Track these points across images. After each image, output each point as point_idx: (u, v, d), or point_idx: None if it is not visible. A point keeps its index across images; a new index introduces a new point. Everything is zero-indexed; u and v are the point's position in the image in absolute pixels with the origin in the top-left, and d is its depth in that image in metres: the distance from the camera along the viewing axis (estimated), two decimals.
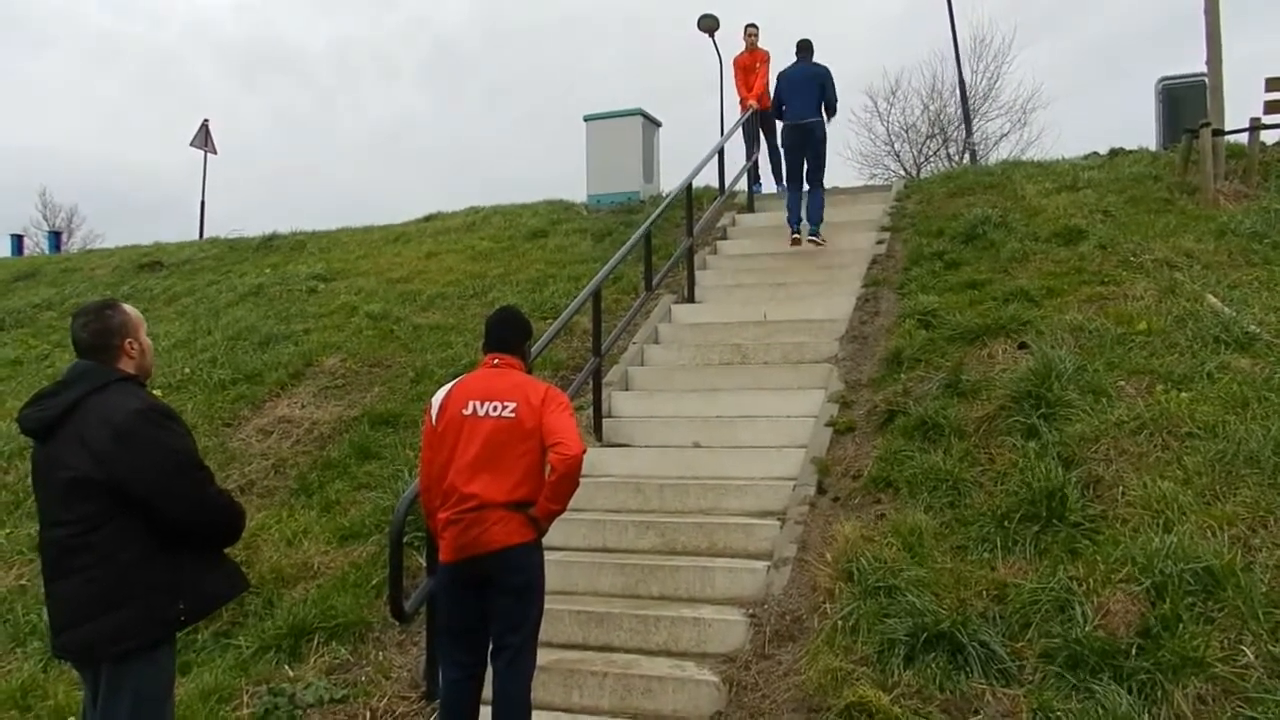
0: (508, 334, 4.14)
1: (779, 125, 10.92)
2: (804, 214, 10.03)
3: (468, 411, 3.88)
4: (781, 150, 10.94)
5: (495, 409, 3.86)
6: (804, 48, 10.65)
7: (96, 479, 3.05)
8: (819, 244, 9.90)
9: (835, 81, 10.34)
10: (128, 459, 3.05)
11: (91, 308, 3.35)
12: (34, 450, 3.31)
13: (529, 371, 4.20)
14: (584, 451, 3.84)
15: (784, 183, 12.37)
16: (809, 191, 10.07)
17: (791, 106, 10.33)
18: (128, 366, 3.29)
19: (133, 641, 3.08)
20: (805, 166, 10.12)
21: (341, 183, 60.04)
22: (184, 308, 11.43)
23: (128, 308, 3.37)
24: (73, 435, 3.10)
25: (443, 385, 4.15)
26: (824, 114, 10.25)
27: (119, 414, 3.09)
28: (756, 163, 12.52)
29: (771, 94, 11.25)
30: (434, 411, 3.99)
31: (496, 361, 4.07)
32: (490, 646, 3.91)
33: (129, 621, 3.07)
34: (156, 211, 45.96)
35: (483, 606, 3.87)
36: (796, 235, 10.03)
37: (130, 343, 3.29)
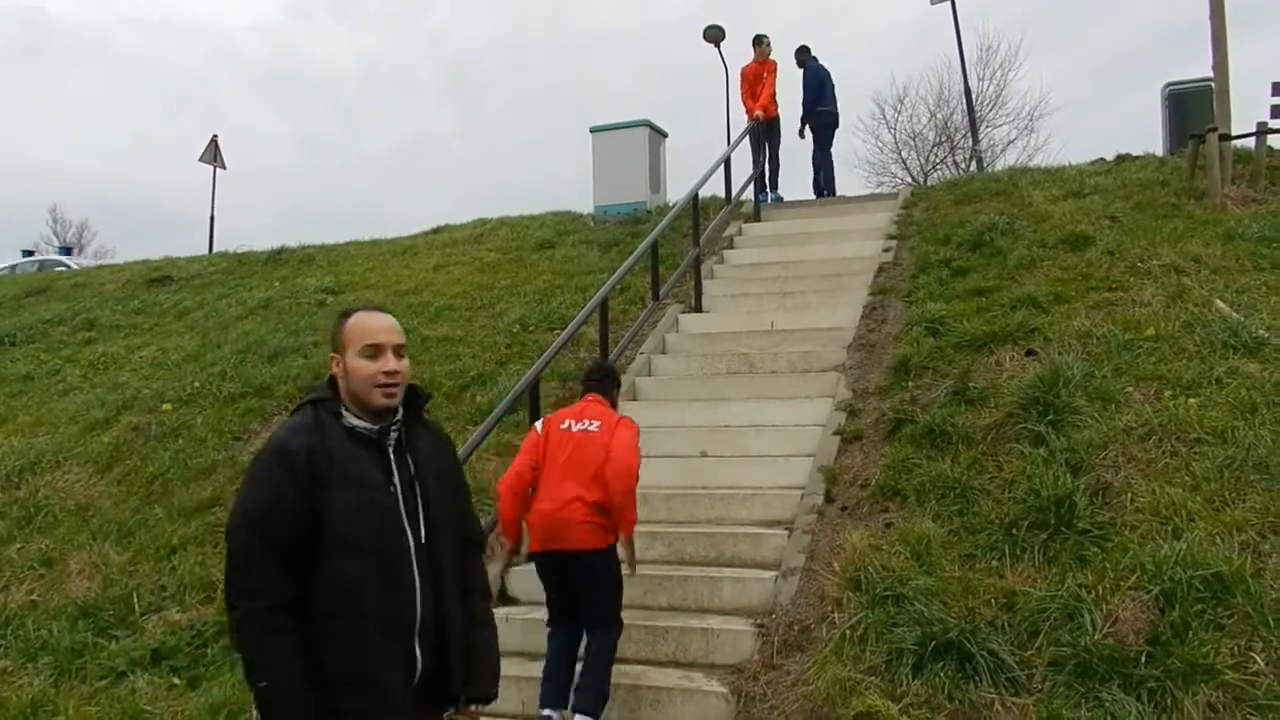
0: (595, 382, 5.23)
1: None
2: None
3: (564, 427, 4.87)
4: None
5: (585, 425, 4.84)
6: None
7: None
8: None
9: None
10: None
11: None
12: None
13: (614, 408, 5.18)
14: (636, 463, 4.71)
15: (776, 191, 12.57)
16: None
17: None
18: (340, 385, 2.65)
19: None
20: None
21: (359, 197, 60.55)
22: (194, 322, 11.49)
23: (358, 315, 2.71)
24: None
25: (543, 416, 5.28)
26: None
27: (263, 446, 2.62)
28: (763, 172, 12.55)
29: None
30: (539, 427, 5.01)
31: (591, 398, 5.10)
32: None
33: None
34: (178, 228, 46.50)
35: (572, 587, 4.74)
36: None
37: (335, 359, 2.68)
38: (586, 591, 4.69)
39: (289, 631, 2.40)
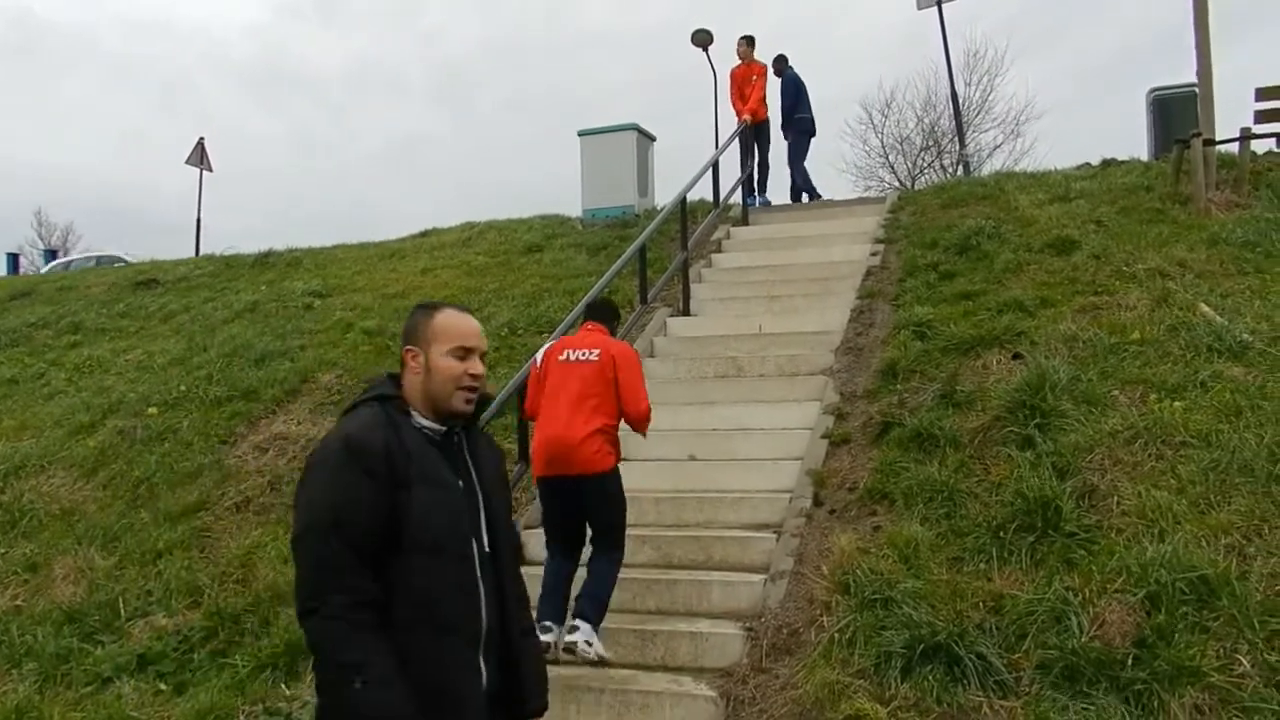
0: (596, 312, 5.56)
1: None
2: None
3: (563, 358, 5.12)
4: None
5: (584, 355, 5.08)
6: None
7: None
8: None
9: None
10: (297, 499, 2.44)
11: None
12: None
13: (613, 335, 5.52)
14: (646, 404, 5.09)
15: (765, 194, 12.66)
16: None
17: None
18: (407, 382, 2.54)
19: None
20: None
21: (349, 199, 60.37)
22: (179, 325, 11.42)
23: (446, 311, 2.59)
24: None
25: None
26: None
27: (324, 443, 2.46)
28: (751, 175, 12.57)
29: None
30: (538, 358, 5.28)
31: (590, 326, 5.40)
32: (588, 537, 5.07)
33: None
34: (165, 231, 46.24)
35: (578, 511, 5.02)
36: None
37: (412, 352, 2.55)
38: (596, 512, 4.98)
39: (378, 628, 2.27)
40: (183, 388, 9.05)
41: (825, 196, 13.20)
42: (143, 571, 6.52)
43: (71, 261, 24.04)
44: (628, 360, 5.13)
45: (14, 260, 26.60)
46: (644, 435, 5.30)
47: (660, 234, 10.16)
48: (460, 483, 2.49)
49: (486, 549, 2.50)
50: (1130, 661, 4.00)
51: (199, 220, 19.89)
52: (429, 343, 2.51)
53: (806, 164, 13.18)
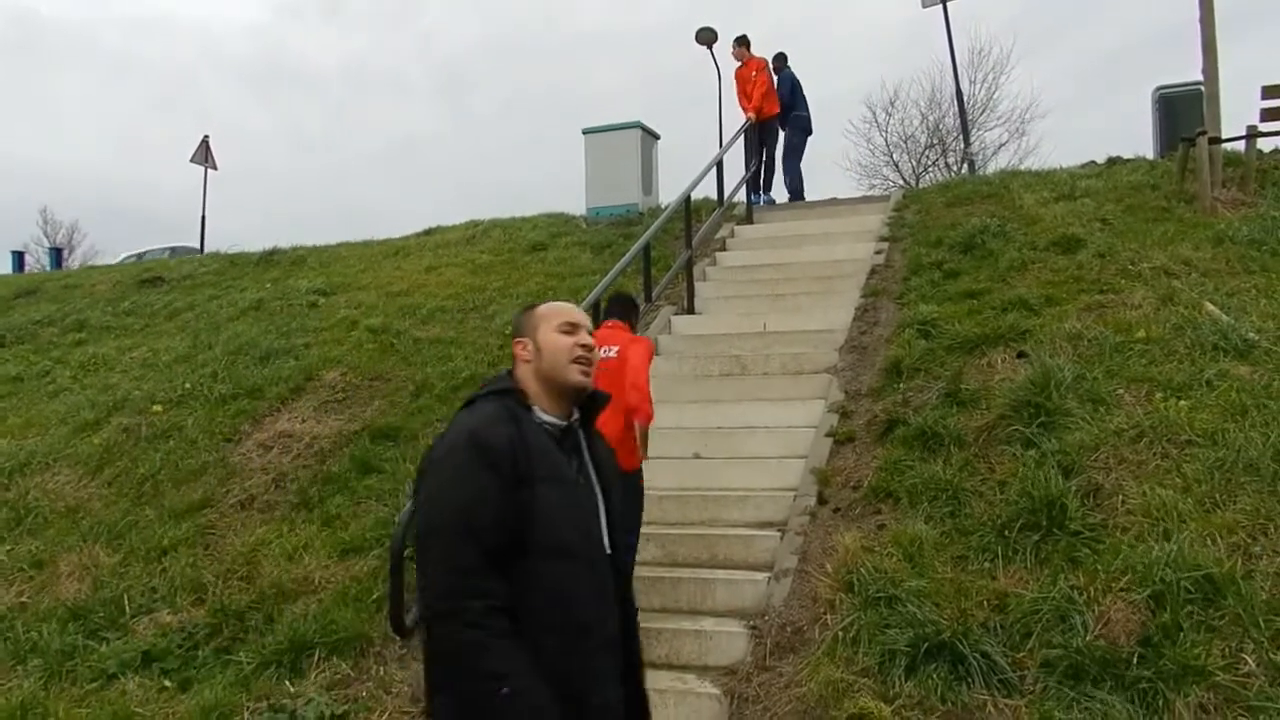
0: (616, 308, 5.75)
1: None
2: None
3: None
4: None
5: (605, 352, 5.19)
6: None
7: None
8: None
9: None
10: (420, 498, 2.35)
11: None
12: None
13: (633, 330, 5.73)
14: (645, 378, 5.20)
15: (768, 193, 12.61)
16: None
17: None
18: (520, 373, 2.48)
19: None
20: None
21: (351, 197, 60.37)
22: (184, 323, 11.44)
23: (547, 303, 2.60)
24: None
25: None
26: None
27: (443, 438, 2.38)
28: (756, 173, 12.56)
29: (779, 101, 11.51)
30: None
31: (611, 324, 5.59)
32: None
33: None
34: (169, 229, 46.33)
35: None
36: None
37: (521, 343, 2.50)
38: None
39: (515, 634, 2.16)
40: (188, 385, 9.06)
41: (809, 199, 13.16)
42: (147, 568, 6.53)
43: (146, 252, 23.10)
44: (636, 349, 5.31)
45: (19, 258, 26.61)
46: (642, 419, 5.24)
47: (665, 232, 10.16)
48: (581, 480, 2.42)
49: (608, 549, 2.42)
50: (1135, 660, 3.99)
51: (204, 218, 19.88)
52: (535, 328, 2.48)
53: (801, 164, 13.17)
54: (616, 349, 5.28)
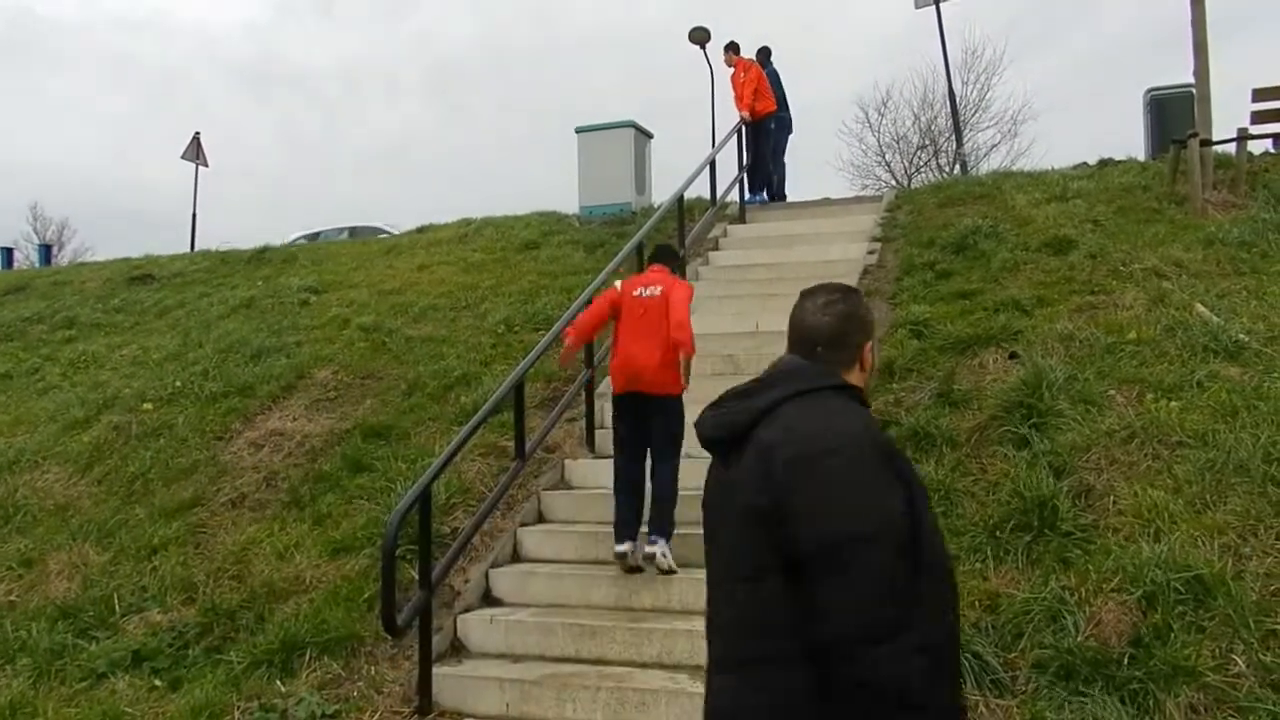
0: (660, 255, 6.47)
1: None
2: None
3: (636, 293, 6.00)
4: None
5: (650, 291, 5.96)
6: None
7: (764, 508, 2.00)
8: None
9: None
10: (807, 491, 1.95)
11: (839, 288, 2.33)
12: (710, 472, 2.29)
13: (675, 273, 6.46)
14: (687, 315, 5.79)
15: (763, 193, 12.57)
16: None
17: None
18: (854, 380, 2.21)
19: None
20: None
21: (344, 196, 60.19)
22: (175, 320, 11.41)
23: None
24: (753, 450, 2.08)
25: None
26: None
27: (833, 434, 2.00)
28: (750, 173, 12.55)
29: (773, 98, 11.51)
30: (617, 285, 6.20)
31: (655, 268, 6.27)
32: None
33: None
34: (161, 226, 46.07)
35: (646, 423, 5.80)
36: None
37: (871, 348, 2.25)
38: (659, 425, 5.74)
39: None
40: (178, 383, 9.03)
41: (793, 200, 13.16)
42: (137, 567, 6.50)
43: (320, 232, 21.09)
44: (679, 290, 5.95)
45: (8, 255, 26.39)
46: (686, 351, 5.72)
47: (657, 231, 10.13)
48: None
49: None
50: (1126, 661, 4.01)
51: (194, 215, 19.79)
52: (873, 332, 2.26)
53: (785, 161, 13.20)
54: (660, 289, 5.94)
